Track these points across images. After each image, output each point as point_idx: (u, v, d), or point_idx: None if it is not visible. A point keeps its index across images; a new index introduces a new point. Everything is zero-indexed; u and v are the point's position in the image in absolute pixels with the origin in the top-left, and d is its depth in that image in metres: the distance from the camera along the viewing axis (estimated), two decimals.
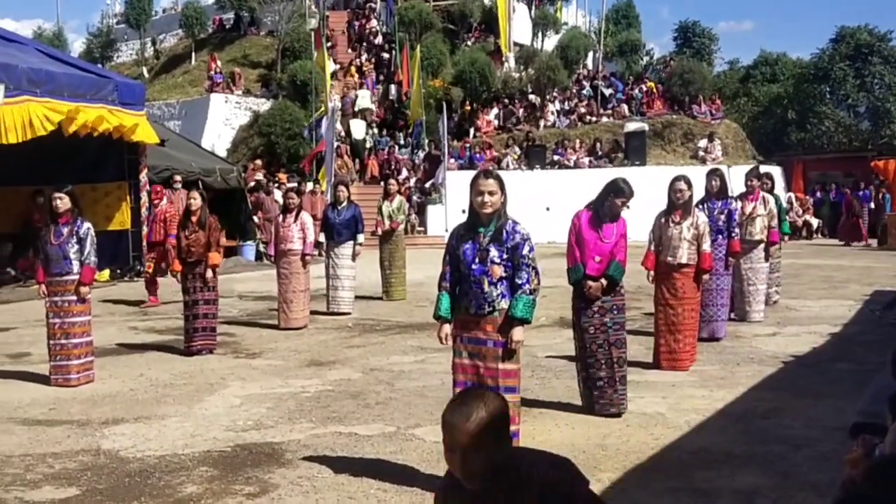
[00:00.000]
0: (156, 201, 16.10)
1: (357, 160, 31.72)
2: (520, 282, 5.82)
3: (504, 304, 5.82)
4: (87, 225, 9.64)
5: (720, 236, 11.23)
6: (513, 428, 5.89)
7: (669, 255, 9.70)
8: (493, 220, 5.92)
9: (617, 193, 7.98)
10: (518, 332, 5.83)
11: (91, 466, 6.79)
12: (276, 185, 27.22)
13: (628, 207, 7.99)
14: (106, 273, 19.94)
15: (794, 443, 7.08)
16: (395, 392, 9.06)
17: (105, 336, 12.50)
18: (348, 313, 14.35)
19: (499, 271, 5.81)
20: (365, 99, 33.72)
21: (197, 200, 11.35)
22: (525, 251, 5.84)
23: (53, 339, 9.53)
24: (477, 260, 5.85)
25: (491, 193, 5.86)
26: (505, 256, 5.84)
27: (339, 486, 6.21)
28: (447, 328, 6.02)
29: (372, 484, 6.23)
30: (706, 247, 9.71)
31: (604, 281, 7.88)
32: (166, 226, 15.34)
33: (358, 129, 32.46)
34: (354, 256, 14.60)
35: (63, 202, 9.50)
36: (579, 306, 8.03)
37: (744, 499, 5.89)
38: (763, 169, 23.47)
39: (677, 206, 9.73)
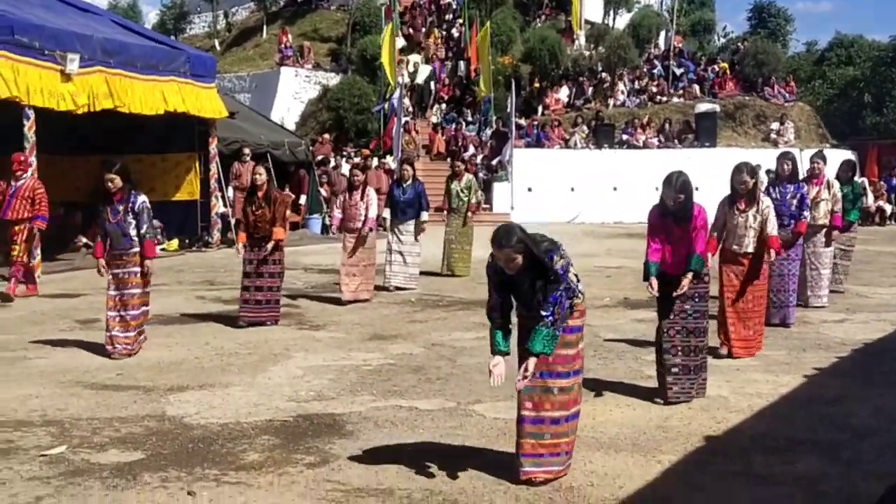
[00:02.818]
0: (18, 172, 13.64)
1: (420, 107, 32.37)
2: (543, 313, 5.64)
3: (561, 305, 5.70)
4: (141, 198, 9.54)
5: (793, 221, 11.04)
6: (577, 408, 5.93)
7: (735, 244, 9.51)
8: (531, 271, 5.72)
9: (665, 184, 7.65)
10: (531, 363, 5.68)
11: (156, 431, 6.91)
12: (345, 158, 27.38)
13: (680, 200, 7.59)
14: (175, 243, 20.27)
15: (859, 431, 6.97)
16: (457, 368, 9.08)
17: (172, 305, 12.72)
18: (411, 289, 14.39)
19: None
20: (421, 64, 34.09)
21: (262, 175, 11.33)
22: (558, 285, 5.65)
23: (113, 311, 9.56)
24: (524, 303, 5.84)
25: (510, 261, 5.65)
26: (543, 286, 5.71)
27: (398, 460, 6.24)
28: (500, 363, 5.85)
29: (431, 458, 6.25)
30: (771, 229, 9.46)
31: (689, 277, 7.66)
32: (35, 204, 13.59)
33: (422, 72, 32.74)
34: (418, 234, 14.64)
35: (115, 182, 9.43)
36: (661, 291, 7.82)
37: (806, 485, 5.81)
38: (840, 154, 23.10)
39: (741, 194, 9.52)
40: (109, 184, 9.43)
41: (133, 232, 9.50)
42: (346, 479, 5.88)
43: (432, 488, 5.72)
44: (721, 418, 7.32)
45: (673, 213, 7.67)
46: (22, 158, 14.01)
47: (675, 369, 7.81)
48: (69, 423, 7.10)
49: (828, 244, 12.63)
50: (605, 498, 5.59)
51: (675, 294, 7.70)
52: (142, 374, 8.76)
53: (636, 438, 6.80)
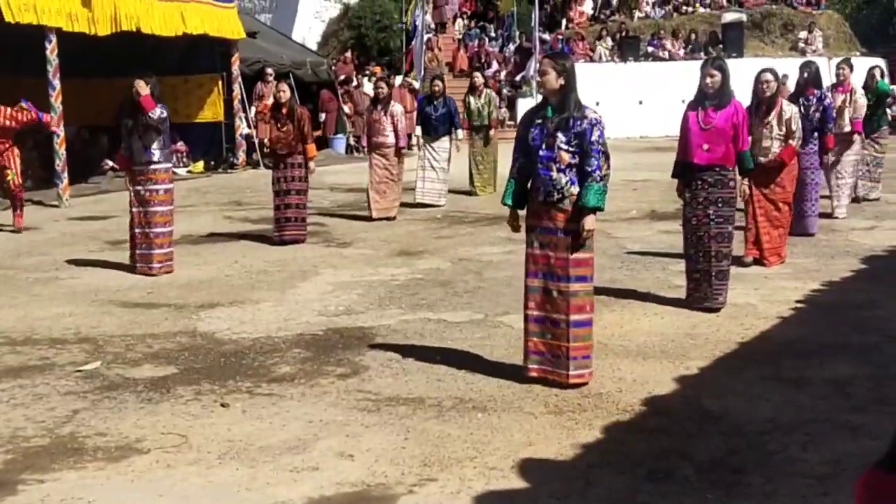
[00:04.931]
0: None
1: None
2: (589, 168, 5.68)
3: (573, 190, 5.70)
4: (158, 111, 9.51)
5: (815, 133, 10.90)
6: (585, 316, 5.88)
7: (760, 156, 9.34)
8: (558, 102, 5.81)
9: (703, 66, 7.80)
10: (590, 221, 5.70)
11: (188, 347, 7.00)
12: (367, 76, 27.17)
13: (716, 78, 7.64)
14: (200, 164, 20.30)
15: (890, 334, 6.97)
16: (484, 281, 9.11)
17: (200, 224, 12.81)
18: (440, 205, 14.36)
19: (566, 157, 5.69)
20: None
21: (286, 92, 11.31)
22: (594, 137, 5.69)
23: (138, 228, 9.63)
24: (544, 146, 5.76)
25: (543, 73, 5.80)
26: (573, 143, 5.71)
27: (427, 369, 6.30)
28: (515, 214, 6.04)
29: (460, 367, 6.31)
30: (792, 141, 9.33)
31: (746, 182, 7.81)
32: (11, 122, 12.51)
33: None
34: (451, 151, 14.57)
35: (141, 89, 9.47)
36: (685, 197, 7.87)
37: (835, 388, 5.82)
38: (870, 62, 22.71)
39: (763, 100, 9.34)
40: (138, 87, 9.43)
41: (155, 146, 9.51)
42: (376, 389, 5.95)
43: (462, 396, 5.78)
44: (750, 325, 7.32)
45: (710, 97, 7.67)
46: None
47: (696, 275, 7.83)
48: (103, 340, 7.20)
49: (853, 149, 12.48)
50: (634, 403, 5.63)
51: (740, 196, 7.78)
52: (172, 293, 8.85)
53: (664, 346, 6.83)
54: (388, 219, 13.03)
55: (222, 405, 5.70)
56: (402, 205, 13.77)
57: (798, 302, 8.01)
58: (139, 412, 5.60)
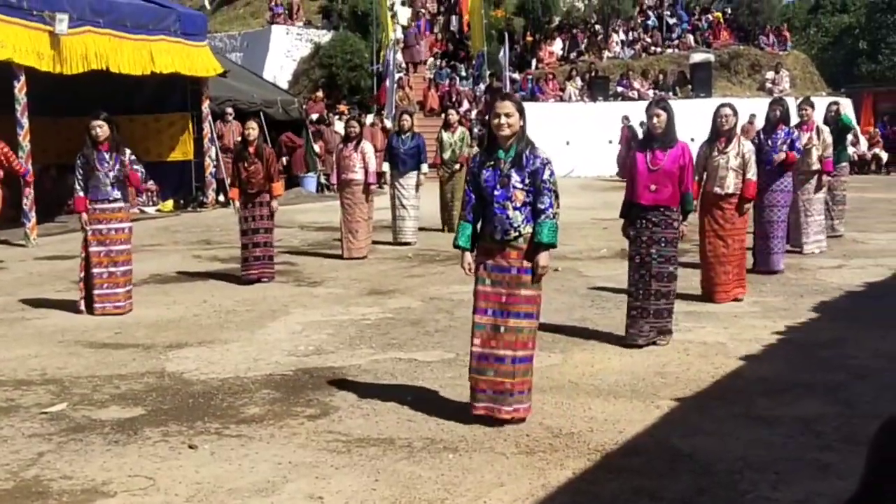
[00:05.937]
0: None
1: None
2: (542, 206, 5.75)
3: (528, 228, 5.77)
4: (129, 151, 9.73)
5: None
6: (528, 352, 5.94)
7: (716, 186, 9.51)
8: (512, 144, 5.84)
9: (648, 107, 8.02)
10: (544, 258, 5.78)
11: (156, 388, 6.93)
12: (337, 116, 27.24)
13: (661, 117, 7.83)
14: (170, 203, 20.23)
15: (858, 373, 7.00)
16: (455, 320, 9.09)
17: (169, 264, 12.72)
18: (412, 243, 14.40)
19: (521, 196, 5.75)
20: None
21: (255, 130, 11.31)
22: (546, 176, 5.77)
23: (99, 268, 9.58)
24: (499, 186, 5.80)
25: (507, 115, 5.79)
26: (527, 181, 5.78)
27: (398, 410, 6.27)
28: (469, 257, 6.03)
29: (431, 408, 6.27)
30: (751, 175, 9.50)
31: (686, 225, 7.97)
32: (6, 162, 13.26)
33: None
34: (418, 186, 14.64)
35: (102, 130, 9.51)
36: (630, 235, 8.01)
37: (804, 426, 5.84)
38: (832, 99, 23.07)
39: (721, 133, 9.53)
40: (98, 130, 9.44)
41: (118, 183, 9.53)
42: (346, 430, 5.90)
43: (433, 437, 5.75)
44: (719, 364, 7.34)
45: (656, 137, 7.85)
46: None
47: (633, 311, 7.94)
48: (69, 382, 7.12)
49: (818, 189, 12.63)
50: (606, 442, 5.61)
51: (680, 236, 7.93)
52: (140, 333, 8.77)
53: (635, 385, 6.83)
54: (359, 258, 13.03)
55: (190, 447, 5.64)
56: (374, 243, 13.77)
57: (767, 340, 8.05)
58: (106, 454, 5.52)
